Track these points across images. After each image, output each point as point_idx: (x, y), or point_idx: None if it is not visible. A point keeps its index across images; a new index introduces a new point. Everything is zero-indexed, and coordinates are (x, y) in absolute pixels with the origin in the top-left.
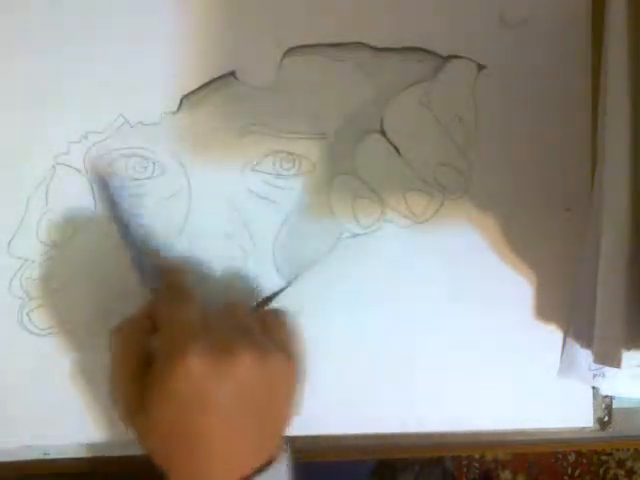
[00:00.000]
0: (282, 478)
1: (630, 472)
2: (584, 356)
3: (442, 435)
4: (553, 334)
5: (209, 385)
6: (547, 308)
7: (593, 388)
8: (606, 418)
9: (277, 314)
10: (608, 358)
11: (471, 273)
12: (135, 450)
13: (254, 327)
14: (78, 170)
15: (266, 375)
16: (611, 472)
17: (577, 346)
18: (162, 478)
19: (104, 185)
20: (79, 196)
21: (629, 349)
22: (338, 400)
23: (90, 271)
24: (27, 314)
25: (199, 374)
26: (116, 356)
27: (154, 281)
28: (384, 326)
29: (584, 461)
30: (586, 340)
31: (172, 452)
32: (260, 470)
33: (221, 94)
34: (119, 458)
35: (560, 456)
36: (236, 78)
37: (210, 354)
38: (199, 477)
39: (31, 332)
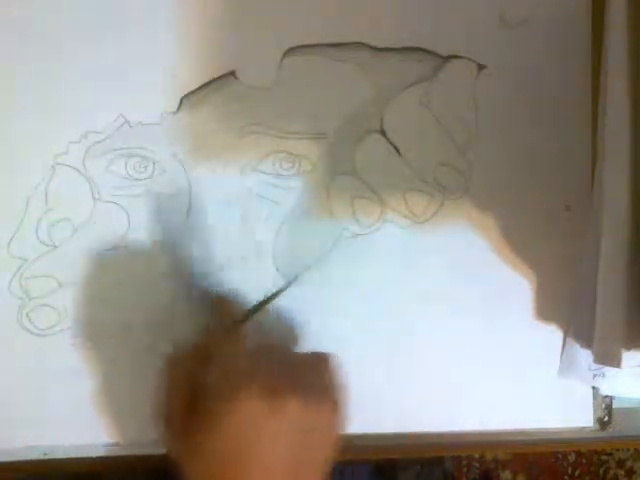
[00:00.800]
0: None
1: (630, 472)
2: (584, 356)
3: (442, 435)
4: (553, 334)
5: (260, 425)
6: (547, 308)
7: (593, 388)
8: (606, 418)
9: (321, 358)
10: (608, 358)
11: (471, 273)
12: (135, 450)
13: (300, 370)
14: (78, 170)
15: (312, 420)
16: (611, 472)
17: (577, 346)
18: (162, 477)
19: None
20: (78, 196)
21: (629, 349)
22: None
23: (90, 271)
24: (27, 314)
25: (251, 416)
26: (169, 388)
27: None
28: (383, 326)
29: (584, 461)
30: (586, 340)
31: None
32: None
33: (221, 94)
34: (119, 458)
35: (560, 456)
36: (236, 78)
37: (261, 397)
38: None
39: (31, 332)
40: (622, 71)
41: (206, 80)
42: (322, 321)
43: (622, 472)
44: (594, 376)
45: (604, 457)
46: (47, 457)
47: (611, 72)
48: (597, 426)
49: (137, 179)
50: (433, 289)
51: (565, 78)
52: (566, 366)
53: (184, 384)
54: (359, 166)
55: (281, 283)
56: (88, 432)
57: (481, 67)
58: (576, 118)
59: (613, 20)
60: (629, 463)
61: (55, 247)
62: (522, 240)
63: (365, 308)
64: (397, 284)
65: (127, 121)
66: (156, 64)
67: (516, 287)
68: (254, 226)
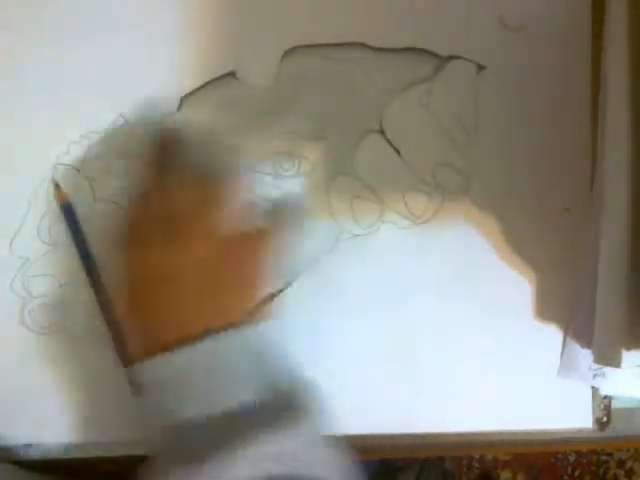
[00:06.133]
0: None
1: (630, 472)
2: (584, 356)
3: (442, 435)
4: (553, 334)
5: None
6: (547, 308)
7: (592, 388)
8: (605, 419)
9: None
10: (608, 358)
11: (471, 273)
12: (135, 450)
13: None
14: (78, 170)
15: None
16: (611, 472)
17: (577, 346)
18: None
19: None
20: (79, 195)
21: (629, 349)
22: (337, 401)
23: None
24: (28, 313)
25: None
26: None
27: None
28: (384, 326)
29: (584, 461)
30: (586, 340)
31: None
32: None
33: (221, 94)
34: (119, 458)
35: (560, 456)
36: (236, 78)
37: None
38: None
39: (32, 331)
40: (622, 72)
41: (206, 80)
42: (321, 321)
43: (622, 472)
44: (594, 376)
45: (604, 457)
46: (47, 457)
47: (611, 72)
48: (596, 426)
49: (137, 179)
50: (432, 289)
51: (565, 78)
52: (566, 366)
53: None
54: (359, 166)
55: (281, 283)
56: (87, 432)
57: (481, 67)
58: (576, 118)
59: (613, 20)
60: (629, 463)
61: (56, 246)
62: (522, 240)
63: (365, 308)
64: (396, 284)
65: (127, 121)
66: (156, 64)
67: (516, 287)
68: None
